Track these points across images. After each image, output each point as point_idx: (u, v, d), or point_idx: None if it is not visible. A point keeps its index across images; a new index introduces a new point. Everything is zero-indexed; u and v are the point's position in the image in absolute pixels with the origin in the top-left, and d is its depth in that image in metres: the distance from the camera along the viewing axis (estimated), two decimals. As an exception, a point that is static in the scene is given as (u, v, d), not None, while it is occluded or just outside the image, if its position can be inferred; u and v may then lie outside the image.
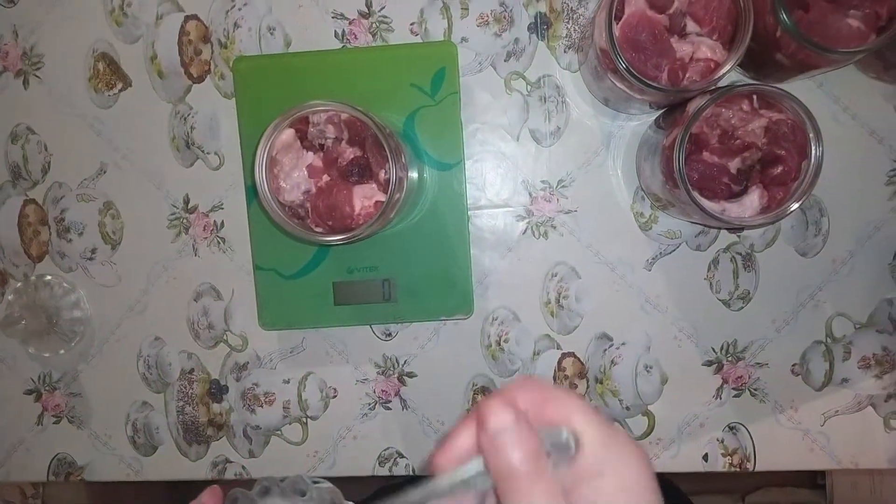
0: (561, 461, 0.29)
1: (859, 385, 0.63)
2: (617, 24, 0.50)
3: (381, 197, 0.51)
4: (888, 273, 0.62)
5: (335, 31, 0.63)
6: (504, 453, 0.28)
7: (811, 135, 0.49)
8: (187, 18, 0.64)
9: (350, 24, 0.63)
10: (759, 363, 0.63)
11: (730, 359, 0.63)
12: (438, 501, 0.30)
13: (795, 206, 0.49)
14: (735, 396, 0.63)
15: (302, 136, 0.51)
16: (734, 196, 0.52)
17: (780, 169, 0.50)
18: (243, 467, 0.67)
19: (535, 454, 0.28)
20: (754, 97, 0.51)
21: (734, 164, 0.52)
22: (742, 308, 0.63)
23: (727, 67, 0.48)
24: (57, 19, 0.65)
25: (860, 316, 0.62)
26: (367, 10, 0.63)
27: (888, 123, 0.61)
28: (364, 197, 0.51)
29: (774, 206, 0.51)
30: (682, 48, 0.51)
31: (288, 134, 0.50)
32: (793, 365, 0.63)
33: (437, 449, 0.31)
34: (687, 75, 0.50)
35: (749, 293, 0.63)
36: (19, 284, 0.66)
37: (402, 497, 0.30)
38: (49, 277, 0.66)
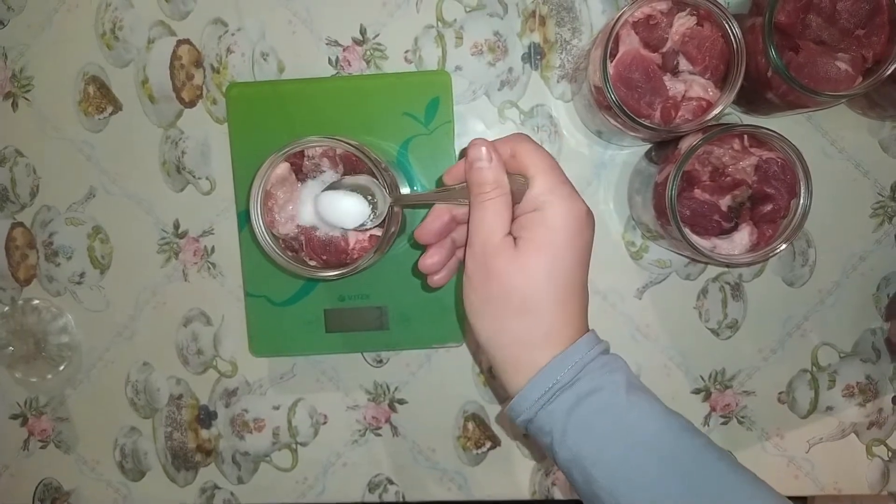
0: (518, 195, 0.42)
1: (843, 413, 0.64)
2: (611, 61, 0.51)
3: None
4: (872, 303, 0.63)
5: (329, 57, 0.63)
6: (476, 171, 0.42)
7: (801, 175, 0.50)
8: (179, 43, 0.64)
9: (344, 51, 0.63)
10: (746, 391, 0.64)
11: (718, 387, 0.64)
12: (439, 204, 0.46)
13: (784, 246, 0.50)
14: (723, 424, 0.64)
15: (297, 170, 0.51)
16: (724, 233, 0.52)
17: (769, 207, 0.51)
18: (232, 494, 0.66)
19: (495, 179, 0.42)
20: (745, 136, 0.52)
21: (725, 202, 0.52)
22: (730, 337, 0.64)
23: (719, 108, 0.49)
24: (47, 42, 0.64)
25: (845, 345, 0.64)
26: (361, 38, 0.63)
27: (873, 157, 0.62)
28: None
29: (763, 244, 0.51)
30: (675, 87, 0.51)
31: (283, 167, 0.50)
32: (779, 393, 0.64)
33: (445, 172, 0.46)
34: (679, 114, 0.51)
35: (737, 322, 0.63)
36: (6, 308, 0.65)
37: (417, 195, 0.50)
38: (37, 302, 0.65)
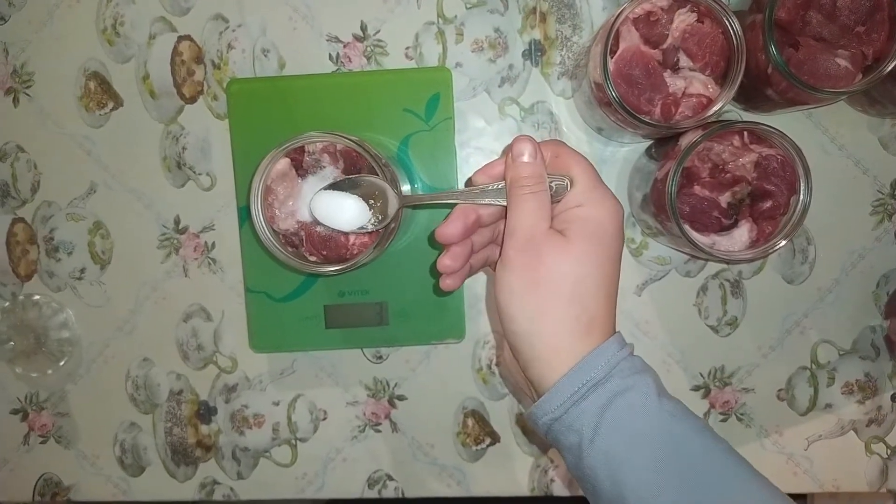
0: (558, 195, 0.43)
1: (842, 410, 0.64)
2: (611, 58, 0.51)
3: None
4: (872, 301, 0.63)
5: (329, 54, 0.63)
6: (518, 167, 0.43)
7: (800, 172, 0.50)
8: (180, 39, 0.64)
9: (345, 47, 0.63)
10: (745, 388, 0.64)
11: (717, 384, 0.64)
12: (466, 203, 0.45)
13: (783, 242, 0.50)
14: (722, 421, 0.64)
15: (297, 165, 0.51)
16: (724, 229, 0.52)
17: (769, 203, 0.51)
18: (231, 489, 0.67)
19: (540, 174, 0.42)
20: (745, 133, 0.52)
21: (724, 198, 0.52)
22: (730, 334, 0.64)
23: (719, 105, 0.49)
24: (48, 37, 0.64)
25: (844, 343, 0.64)
26: (361, 34, 0.63)
27: (873, 155, 0.62)
28: (359, 226, 0.51)
29: (763, 240, 0.51)
30: (675, 83, 0.51)
31: (283, 163, 0.50)
32: (778, 390, 0.64)
33: (476, 171, 0.45)
34: (679, 110, 0.51)
35: (737, 319, 0.64)
36: (7, 304, 0.65)
37: (431, 196, 0.47)
38: (37, 297, 0.65)
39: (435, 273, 0.47)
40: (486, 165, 0.45)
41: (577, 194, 0.43)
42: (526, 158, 0.42)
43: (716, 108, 0.49)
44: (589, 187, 0.43)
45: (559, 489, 0.65)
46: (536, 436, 0.65)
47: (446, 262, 0.44)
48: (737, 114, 0.60)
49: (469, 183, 0.47)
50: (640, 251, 0.64)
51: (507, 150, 0.44)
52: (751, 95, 0.54)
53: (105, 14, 0.64)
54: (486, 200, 0.44)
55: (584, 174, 0.43)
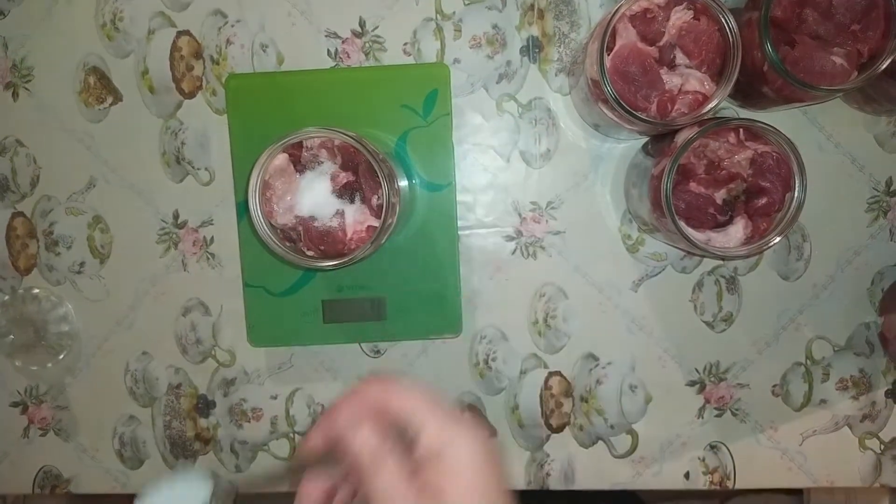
0: (406, 448, 0.35)
1: (837, 406, 0.64)
2: (608, 55, 0.51)
3: (374, 222, 0.51)
4: (866, 297, 0.64)
5: (328, 49, 0.63)
6: (347, 444, 0.35)
7: (795, 169, 0.50)
8: (179, 34, 0.64)
9: (343, 43, 0.63)
10: (740, 384, 0.64)
11: (712, 379, 0.65)
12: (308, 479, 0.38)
13: (778, 239, 0.50)
14: (717, 416, 0.65)
15: (295, 161, 0.51)
16: (719, 226, 0.53)
17: (764, 200, 0.52)
18: (230, 482, 0.67)
19: (371, 445, 0.35)
20: (741, 130, 0.52)
21: (720, 195, 0.53)
22: (725, 330, 0.64)
23: (715, 102, 0.49)
24: (47, 32, 0.64)
25: (839, 339, 0.64)
26: (360, 30, 0.63)
27: (869, 152, 0.62)
28: (356, 222, 0.51)
29: (758, 237, 0.52)
30: (672, 80, 0.51)
31: (281, 158, 0.51)
32: (773, 386, 0.64)
33: (302, 443, 0.37)
34: (675, 107, 0.51)
35: (732, 315, 0.64)
36: (7, 297, 0.66)
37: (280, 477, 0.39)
38: (37, 291, 0.66)
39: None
40: (307, 436, 0.38)
41: (428, 444, 0.35)
42: (351, 432, 0.35)
43: (711, 105, 0.50)
44: (437, 431, 0.36)
45: (555, 483, 0.66)
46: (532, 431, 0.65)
47: None
48: (733, 111, 0.61)
49: (298, 457, 0.40)
50: (636, 247, 0.64)
51: (325, 416, 0.37)
52: (747, 92, 0.55)
53: (104, 9, 0.64)
54: (327, 474, 0.37)
55: (426, 418, 0.36)
